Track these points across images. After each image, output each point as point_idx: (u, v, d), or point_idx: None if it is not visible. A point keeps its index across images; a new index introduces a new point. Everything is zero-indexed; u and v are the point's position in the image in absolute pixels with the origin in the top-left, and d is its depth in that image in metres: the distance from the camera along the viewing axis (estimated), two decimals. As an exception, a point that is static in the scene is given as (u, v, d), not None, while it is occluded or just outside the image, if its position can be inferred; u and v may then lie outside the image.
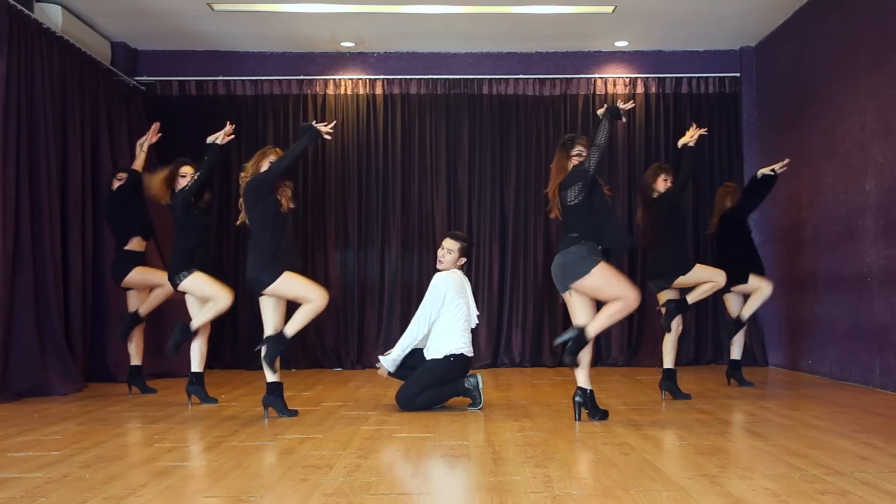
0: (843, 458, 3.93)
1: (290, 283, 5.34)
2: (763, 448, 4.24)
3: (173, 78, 9.38)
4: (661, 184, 6.25)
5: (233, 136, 6.09)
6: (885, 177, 6.58)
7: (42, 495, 3.38)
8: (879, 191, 6.66)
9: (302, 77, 9.42)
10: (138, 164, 7.04)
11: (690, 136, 6.17)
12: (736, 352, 7.06)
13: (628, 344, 9.14)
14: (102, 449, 4.43)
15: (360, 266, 9.30)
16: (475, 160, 9.40)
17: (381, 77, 9.43)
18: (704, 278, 6.26)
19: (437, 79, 9.44)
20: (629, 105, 5.26)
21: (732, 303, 6.99)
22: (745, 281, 6.87)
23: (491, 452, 4.20)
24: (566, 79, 9.44)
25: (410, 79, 9.44)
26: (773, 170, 6.84)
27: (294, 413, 5.47)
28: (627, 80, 9.45)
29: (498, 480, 3.58)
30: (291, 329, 5.38)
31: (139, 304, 6.83)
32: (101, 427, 5.16)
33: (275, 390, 5.44)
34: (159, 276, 6.75)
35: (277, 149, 5.65)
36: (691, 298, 6.27)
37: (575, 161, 5.19)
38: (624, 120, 5.40)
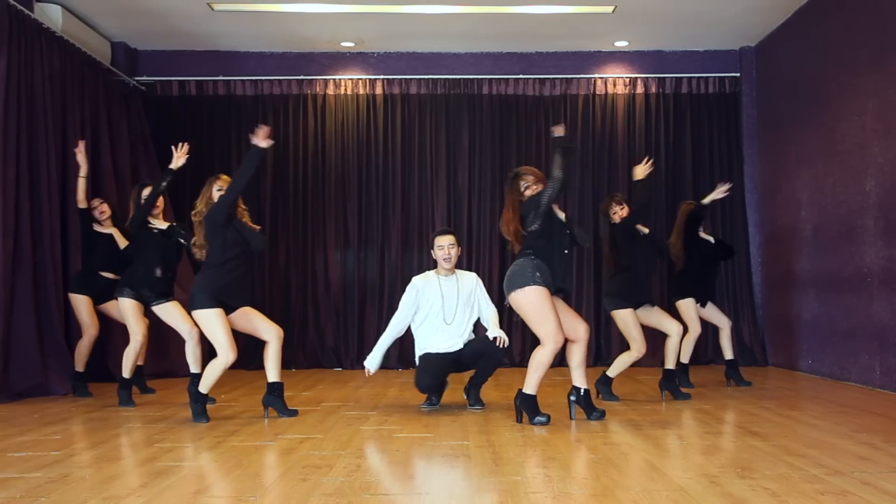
0: (843, 458, 3.93)
1: (210, 324, 5.22)
2: (763, 448, 4.23)
3: (173, 78, 9.38)
4: (614, 215, 6.26)
5: (187, 156, 6.00)
6: (885, 177, 6.58)
7: (42, 495, 3.38)
8: (879, 191, 6.66)
9: (302, 77, 9.42)
10: (80, 196, 6.69)
11: (643, 173, 6.16)
12: (728, 353, 7.08)
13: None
14: (102, 449, 4.43)
15: (360, 266, 9.31)
16: (475, 160, 9.40)
17: (381, 77, 9.43)
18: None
19: (437, 79, 9.44)
20: (559, 127, 5.17)
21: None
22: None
23: (491, 452, 4.19)
24: (566, 79, 9.44)
25: (410, 79, 9.44)
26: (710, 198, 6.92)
27: (294, 413, 5.47)
28: (627, 80, 9.45)
29: (498, 480, 3.58)
30: (204, 386, 5.33)
31: (92, 327, 6.71)
32: (101, 427, 5.17)
33: (275, 390, 5.44)
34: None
35: (224, 176, 5.56)
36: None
37: (527, 193, 5.18)
38: (574, 146, 5.32)
